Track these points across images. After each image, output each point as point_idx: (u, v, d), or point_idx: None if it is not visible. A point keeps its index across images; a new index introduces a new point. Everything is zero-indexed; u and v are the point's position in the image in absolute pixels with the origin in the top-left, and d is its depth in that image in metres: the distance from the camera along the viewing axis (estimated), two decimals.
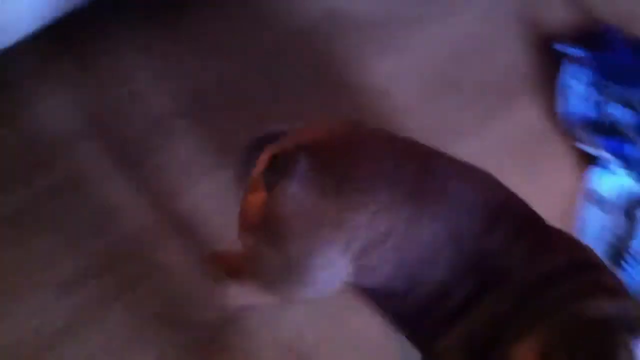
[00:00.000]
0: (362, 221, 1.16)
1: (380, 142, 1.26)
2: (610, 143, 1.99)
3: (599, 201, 1.94)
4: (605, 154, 1.97)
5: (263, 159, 1.26)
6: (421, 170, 1.21)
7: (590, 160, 1.99)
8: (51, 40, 1.87)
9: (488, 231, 1.19)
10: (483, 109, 2.05)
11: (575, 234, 1.74)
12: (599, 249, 1.84)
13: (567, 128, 2.03)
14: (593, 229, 1.90)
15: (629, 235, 1.90)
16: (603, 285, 1.15)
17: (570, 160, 2.00)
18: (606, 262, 1.51)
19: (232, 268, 1.49)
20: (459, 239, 1.19)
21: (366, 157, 1.21)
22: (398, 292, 1.24)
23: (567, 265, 1.17)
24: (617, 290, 1.16)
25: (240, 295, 1.51)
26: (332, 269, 1.22)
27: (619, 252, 1.88)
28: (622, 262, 1.86)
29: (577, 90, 2.07)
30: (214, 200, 1.76)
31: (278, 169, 1.21)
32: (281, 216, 1.20)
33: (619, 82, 2.09)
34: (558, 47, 2.14)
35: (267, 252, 1.26)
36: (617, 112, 2.05)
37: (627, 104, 2.06)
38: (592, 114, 2.05)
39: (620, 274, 1.65)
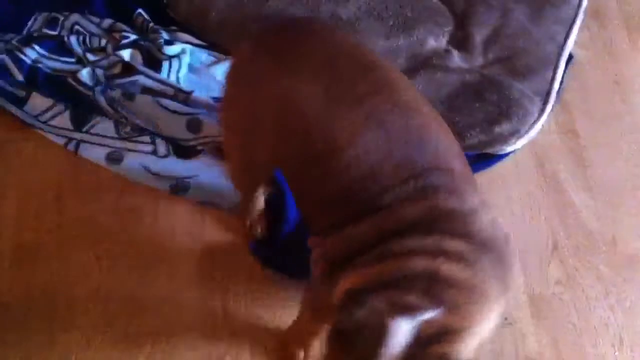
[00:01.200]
0: (280, 89, 1.28)
1: (330, 38, 1.37)
2: None
3: None
4: None
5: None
6: (352, 73, 1.26)
7: None
8: None
9: (388, 160, 1.19)
10: None
11: None
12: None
13: None
14: None
15: None
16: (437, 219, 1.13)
17: None
18: None
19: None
20: (360, 152, 1.19)
21: (311, 45, 1.33)
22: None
23: (425, 218, 1.14)
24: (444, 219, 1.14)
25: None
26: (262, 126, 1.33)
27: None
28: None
29: None
30: None
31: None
32: (233, 69, 1.42)
33: None
34: None
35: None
36: None
37: None
38: None
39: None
